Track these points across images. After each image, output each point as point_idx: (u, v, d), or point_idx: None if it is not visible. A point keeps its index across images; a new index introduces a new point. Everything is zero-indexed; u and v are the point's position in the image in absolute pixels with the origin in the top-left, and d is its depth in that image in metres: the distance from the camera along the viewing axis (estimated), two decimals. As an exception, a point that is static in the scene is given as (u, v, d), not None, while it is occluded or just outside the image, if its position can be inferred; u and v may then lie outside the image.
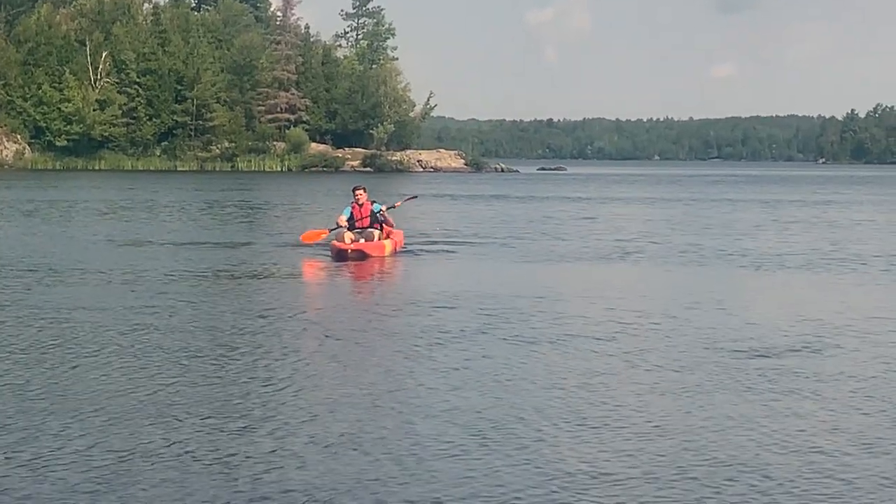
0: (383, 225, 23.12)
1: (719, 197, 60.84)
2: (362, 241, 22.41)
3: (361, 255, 21.90)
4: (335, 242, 22.44)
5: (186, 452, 7.99)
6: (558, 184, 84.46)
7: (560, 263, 22.79)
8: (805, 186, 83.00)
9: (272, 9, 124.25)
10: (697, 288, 19.18)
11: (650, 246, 26.65)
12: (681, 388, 10.37)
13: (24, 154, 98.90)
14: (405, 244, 24.20)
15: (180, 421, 8.85)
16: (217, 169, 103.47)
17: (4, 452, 7.93)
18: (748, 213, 43.97)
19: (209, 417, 8.99)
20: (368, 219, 22.97)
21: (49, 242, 25.68)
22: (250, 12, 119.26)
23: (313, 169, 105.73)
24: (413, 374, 10.88)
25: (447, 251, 24.52)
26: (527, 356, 11.92)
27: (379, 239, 22.70)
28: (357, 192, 23.24)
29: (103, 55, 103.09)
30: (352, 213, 22.99)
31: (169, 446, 8.13)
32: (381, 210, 23.15)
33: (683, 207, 48.39)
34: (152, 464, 7.72)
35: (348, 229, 22.74)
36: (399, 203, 24.60)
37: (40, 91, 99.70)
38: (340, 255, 21.90)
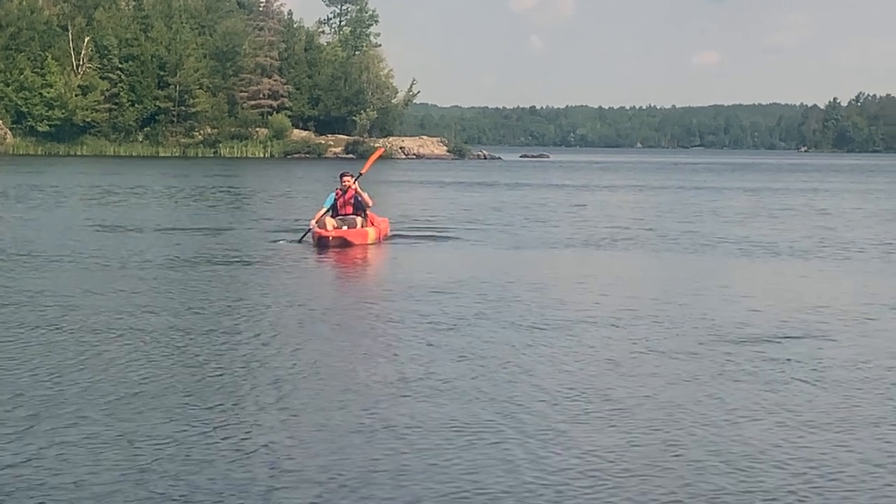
0: (367, 212, 22.55)
1: (706, 185, 60.87)
2: (345, 228, 21.91)
3: (344, 243, 21.47)
4: (317, 230, 21.86)
5: (179, 442, 7.88)
6: (544, 171, 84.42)
7: (555, 251, 22.67)
8: (790, 175, 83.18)
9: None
10: (692, 275, 19.12)
11: (643, 233, 26.63)
12: (678, 376, 10.28)
13: (5, 139, 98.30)
14: (391, 232, 23.87)
15: (170, 410, 8.73)
16: (199, 155, 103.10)
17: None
18: (737, 200, 43.98)
19: (202, 406, 8.87)
20: (352, 206, 22.37)
21: (33, 228, 25.44)
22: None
23: (296, 155, 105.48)
24: (409, 362, 10.75)
25: (439, 238, 24.35)
26: (524, 343, 11.80)
27: (362, 226, 22.23)
28: (344, 178, 22.58)
29: (86, 40, 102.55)
30: (335, 199, 22.42)
31: (159, 435, 8.01)
32: (358, 191, 22.39)
33: (672, 195, 48.39)
34: (142, 452, 7.61)
35: (332, 216, 22.26)
36: (365, 169, 23.56)
37: (22, 76, 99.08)
38: (322, 243, 21.49)
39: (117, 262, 18.65)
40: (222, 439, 7.92)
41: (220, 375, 9.95)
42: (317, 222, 22.08)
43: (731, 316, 13.89)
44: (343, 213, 22.33)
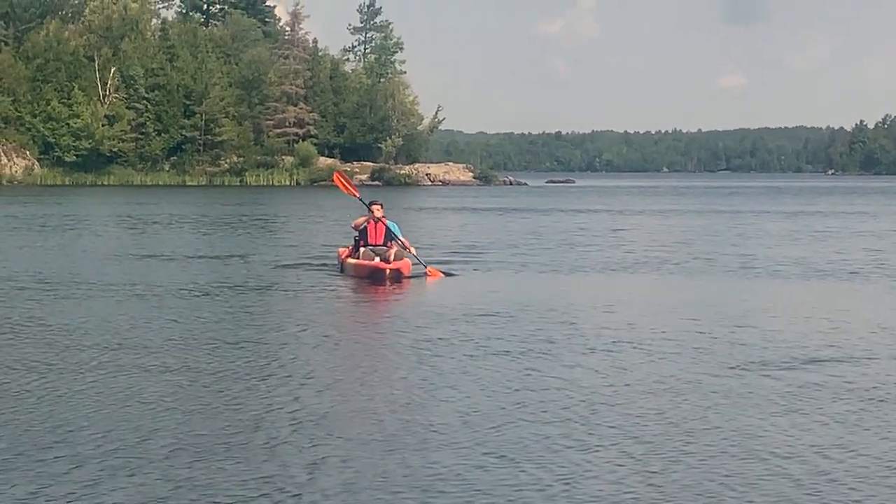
0: (395, 242, 21.15)
1: (744, 208, 60.28)
2: (377, 259, 20.35)
3: (398, 275, 20.14)
4: (363, 262, 20.40)
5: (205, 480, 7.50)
6: (576, 196, 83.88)
7: (606, 275, 22.52)
8: (825, 198, 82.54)
9: (280, 23, 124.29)
10: (749, 298, 18.86)
11: (690, 257, 26.54)
12: (745, 401, 9.96)
13: (33, 170, 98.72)
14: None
15: (229, 446, 8.35)
16: (226, 183, 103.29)
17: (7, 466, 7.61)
18: (778, 224, 43.54)
19: (260, 439, 8.50)
20: (383, 236, 21.10)
21: (61, 257, 25.31)
22: (258, 27, 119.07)
23: (322, 183, 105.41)
24: (456, 386, 10.46)
25: (484, 264, 24.10)
26: (586, 367, 11.56)
27: (402, 258, 20.76)
28: (374, 206, 21.21)
29: (112, 71, 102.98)
30: (366, 228, 21.13)
31: (210, 474, 7.64)
32: (398, 236, 21.15)
33: (712, 219, 48.11)
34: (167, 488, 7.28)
35: (363, 245, 20.97)
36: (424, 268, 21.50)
37: (49, 107, 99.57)
38: (377, 276, 19.96)
39: (158, 290, 18.42)
40: (284, 475, 7.55)
41: (275, 404, 9.61)
42: (360, 254, 20.72)
43: (797, 339, 13.69)
44: (374, 243, 21.03)
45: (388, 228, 21.18)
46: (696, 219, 47.83)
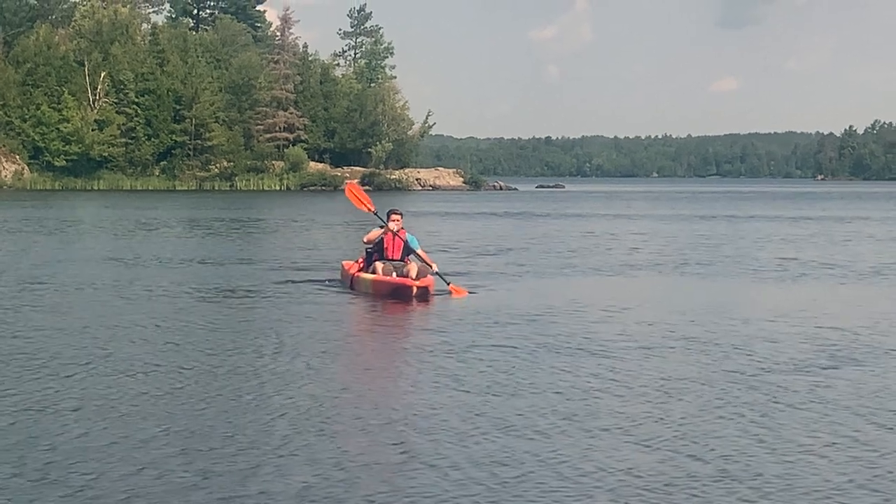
0: (413, 257, 19.13)
1: (751, 213, 60.33)
2: (394, 274, 18.41)
3: (426, 295, 17.95)
4: (384, 278, 18.35)
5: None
6: (573, 202, 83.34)
7: (623, 278, 22.60)
8: (827, 203, 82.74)
9: (270, 28, 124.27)
10: (787, 301, 18.92)
11: (721, 260, 26.95)
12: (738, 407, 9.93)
13: (22, 174, 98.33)
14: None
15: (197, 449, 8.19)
16: (216, 188, 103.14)
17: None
18: (796, 229, 43.58)
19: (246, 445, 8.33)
20: (402, 250, 19.05)
21: (54, 261, 25.12)
22: (248, 32, 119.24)
23: (312, 188, 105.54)
24: (473, 389, 10.28)
25: (499, 269, 23.99)
26: (604, 370, 11.46)
27: (424, 273, 18.64)
28: (393, 216, 19.05)
29: (102, 75, 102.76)
30: (382, 240, 19.12)
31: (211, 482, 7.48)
32: (418, 249, 19.08)
33: (722, 224, 48.10)
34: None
35: (377, 259, 18.94)
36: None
37: (39, 111, 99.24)
38: (400, 293, 17.88)
39: (153, 294, 18.25)
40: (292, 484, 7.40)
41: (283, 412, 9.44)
42: (379, 269, 18.58)
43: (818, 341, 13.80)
44: (392, 257, 19.00)
45: (406, 242, 19.13)
46: (708, 223, 47.84)
